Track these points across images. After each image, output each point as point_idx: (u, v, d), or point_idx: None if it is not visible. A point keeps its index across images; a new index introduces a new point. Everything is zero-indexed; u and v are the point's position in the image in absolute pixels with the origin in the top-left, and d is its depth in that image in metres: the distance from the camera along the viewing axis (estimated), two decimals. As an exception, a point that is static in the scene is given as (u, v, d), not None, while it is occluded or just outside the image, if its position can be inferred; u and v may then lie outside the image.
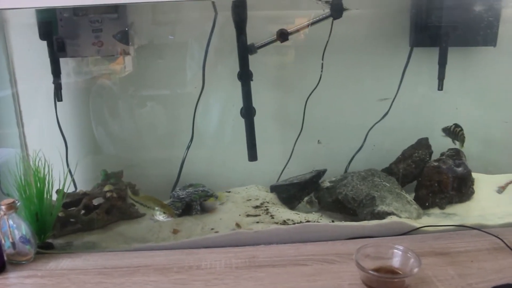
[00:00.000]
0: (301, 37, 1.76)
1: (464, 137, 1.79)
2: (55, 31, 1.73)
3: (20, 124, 1.90)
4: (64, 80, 1.83)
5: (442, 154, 1.88)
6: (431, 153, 1.89)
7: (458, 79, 1.93)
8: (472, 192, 1.86)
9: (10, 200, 1.38)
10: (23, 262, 1.41)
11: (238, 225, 1.66)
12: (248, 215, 1.74)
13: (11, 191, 1.54)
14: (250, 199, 1.87)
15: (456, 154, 1.86)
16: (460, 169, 1.81)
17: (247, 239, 1.52)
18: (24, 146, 1.90)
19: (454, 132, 1.79)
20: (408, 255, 1.25)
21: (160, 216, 1.64)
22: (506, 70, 1.95)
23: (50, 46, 1.75)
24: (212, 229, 1.65)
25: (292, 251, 1.43)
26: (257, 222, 1.67)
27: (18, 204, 1.42)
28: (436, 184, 1.80)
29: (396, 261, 1.26)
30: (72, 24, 1.73)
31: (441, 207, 1.79)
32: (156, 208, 1.64)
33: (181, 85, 1.94)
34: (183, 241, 1.55)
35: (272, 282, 1.27)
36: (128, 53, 1.81)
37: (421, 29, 1.84)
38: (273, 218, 1.70)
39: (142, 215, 1.77)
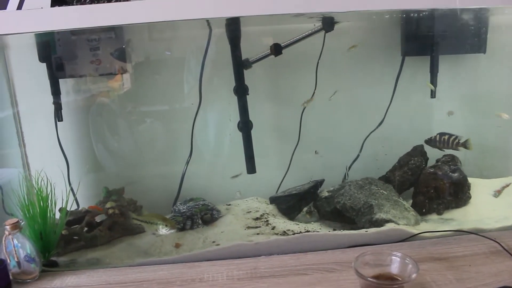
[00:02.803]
0: (295, 51, 1.79)
1: (458, 142, 1.82)
2: (54, 51, 1.76)
3: (21, 144, 1.92)
4: (64, 99, 1.86)
5: (437, 161, 1.91)
6: (426, 159, 1.92)
7: (450, 86, 1.96)
8: (469, 197, 1.88)
9: (14, 220, 1.41)
10: (29, 280, 1.43)
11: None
12: (248, 227, 1.76)
13: (15, 211, 1.56)
14: (250, 211, 1.89)
15: (451, 160, 1.88)
16: (455, 174, 1.84)
17: (248, 250, 1.54)
18: (26, 166, 1.92)
19: (443, 140, 1.82)
20: (406, 261, 1.27)
21: (163, 230, 1.67)
22: (496, 75, 1.98)
23: (50, 68, 1.78)
24: (213, 242, 1.67)
25: (292, 261, 1.45)
26: (258, 234, 1.69)
27: (22, 223, 1.44)
28: (432, 190, 1.82)
29: (394, 268, 1.28)
30: (70, 44, 1.76)
31: (439, 213, 1.81)
32: (159, 222, 1.67)
33: (179, 100, 1.97)
34: (185, 254, 1.57)
35: (274, 292, 1.29)
36: (126, 70, 1.83)
37: (412, 39, 1.88)
38: (273, 229, 1.72)
39: (144, 230, 1.79)
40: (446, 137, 1.81)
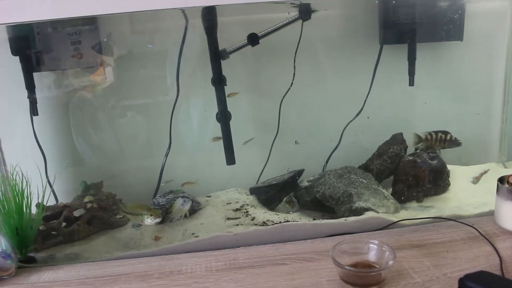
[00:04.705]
0: (272, 40, 1.78)
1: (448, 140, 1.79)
2: (33, 45, 1.73)
3: (-4, 139, 1.90)
4: (44, 93, 1.84)
5: (416, 149, 1.91)
6: (405, 147, 1.92)
7: (428, 74, 1.97)
8: (448, 184, 1.89)
9: (-12, 216, 1.39)
10: (5, 277, 1.41)
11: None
12: (228, 218, 1.75)
13: (-10, 207, 1.55)
14: (230, 203, 1.89)
15: (430, 148, 1.89)
16: (434, 162, 1.85)
17: (228, 242, 1.54)
18: (2, 161, 1.89)
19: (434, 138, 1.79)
20: (383, 248, 1.28)
21: (149, 219, 1.66)
22: (473, 63, 1.99)
23: (23, 61, 1.75)
24: (193, 234, 1.66)
25: (271, 252, 1.45)
26: (237, 225, 1.68)
27: (-3, 219, 1.42)
28: (412, 178, 1.83)
29: (372, 256, 1.29)
30: (51, 38, 1.73)
31: (418, 200, 1.83)
32: (144, 212, 1.67)
33: (158, 93, 1.95)
34: (165, 247, 1.56)
35: (252, 282, 1.28)
36: (107, 64, 1.82)
37: (389, 27, 1.88)
38: (253, 220, 1.72)
39: (124, 224, 1.78)
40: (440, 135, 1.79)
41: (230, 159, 1.75)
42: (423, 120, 1.99)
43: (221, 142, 1.78)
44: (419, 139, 1.81)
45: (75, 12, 1.39)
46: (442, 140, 1.77)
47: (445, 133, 1.77)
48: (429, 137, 1.78)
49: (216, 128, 1.79)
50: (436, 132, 1.77)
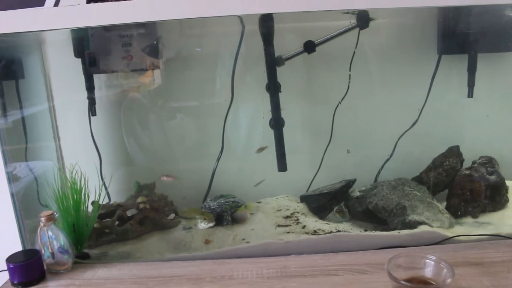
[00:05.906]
0: (328, 48, 1.76)
1: None
2: (87, 47, 1.78)
3: (56, 137, 1.96)
4: (96, 94, 1.88)
5: (473, 162, 1.86)
6: (462, 161, 1.86)
7: (488, 86, 1.90)
8: (506, 201, 1.82)
9: (49, 212, 1.44)
10: (62, 271, 1.46)
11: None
12: (278, 225, 1.75)
13: (49, 203, 1.60)
14: (281, 209, 1.88)
15: (488, 162, 1.83)
16: (493, 177, 1.78)
17: (278, 249, 1.54)
18: (60, 159, 1.96)
19: None
20: (441, 265, 1.24)
21: (202, 224, 1.71)
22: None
23: (85, 63, 1.81)
24: (243, 239, 1.67)
25: (323, 261, 1.44)
26: (288, 232, 1.67)
27: (56, 215, 1.47)
28: (468, 193, 1.77)
29: (428, 271, 1.25)
30: (102, 40, 1.78)
31: (474, 216, 1.76)
32: (197, 216, 1.70)
33: (210, 97, 1.97)
34: (215, 251, 1.57)
35: (304, 292, 1.28)
36: (157, 66, 1.84)
37: (449, 36, 1.83)
38: (303, 228, 1.71)
39: (174, 226, 1.80)
40: None
41: (282, 166, 1.74)
42: (480, 133, 1.92)
43: (267, 150, 1.77)
44: None
45: (136, 18, 1.42)
46: None
47: None
48: None
49: (268, 134, 1.79)
50: None
